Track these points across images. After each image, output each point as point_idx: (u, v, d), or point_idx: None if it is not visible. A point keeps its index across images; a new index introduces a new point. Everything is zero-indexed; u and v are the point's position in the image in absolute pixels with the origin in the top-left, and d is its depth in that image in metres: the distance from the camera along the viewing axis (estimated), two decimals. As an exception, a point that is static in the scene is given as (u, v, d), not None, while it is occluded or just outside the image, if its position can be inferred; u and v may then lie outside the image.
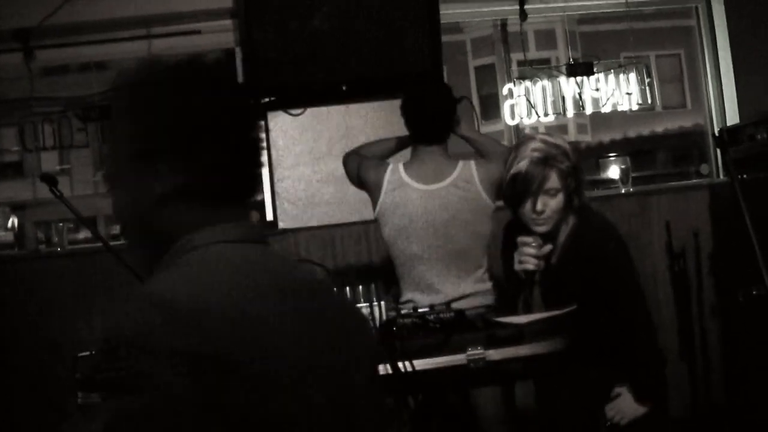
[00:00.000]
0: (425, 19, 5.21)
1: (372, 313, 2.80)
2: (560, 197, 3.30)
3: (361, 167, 4.13)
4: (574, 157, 3.36)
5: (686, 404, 5.25)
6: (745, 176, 4.98)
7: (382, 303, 2.87)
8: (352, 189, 5.29)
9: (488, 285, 3.99)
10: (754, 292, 3.51)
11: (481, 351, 2.71)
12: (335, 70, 5.16)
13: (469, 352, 2.70)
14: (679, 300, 5.43)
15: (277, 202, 5.37)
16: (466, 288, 3.91)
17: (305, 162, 5.39)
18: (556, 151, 3.32)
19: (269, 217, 5.46)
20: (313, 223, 5.30)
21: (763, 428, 4.80)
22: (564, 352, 2.78)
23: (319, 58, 5.13)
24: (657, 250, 5.45)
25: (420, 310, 2.89)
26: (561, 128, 12.00)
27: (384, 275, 3.84)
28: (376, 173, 4.04)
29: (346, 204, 5.32)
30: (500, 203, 3.76)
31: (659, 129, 9.06)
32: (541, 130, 7.31)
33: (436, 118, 4.01)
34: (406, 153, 4.19)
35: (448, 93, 4.09)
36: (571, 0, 6.08)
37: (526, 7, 5.74)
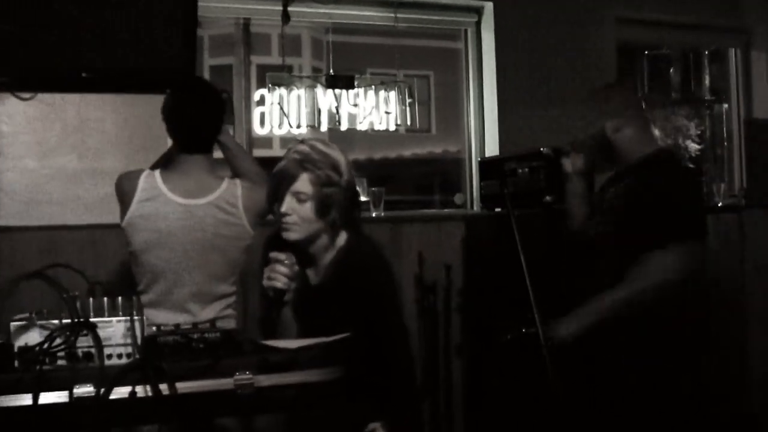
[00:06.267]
0: (180, 12, 5.12)
1: (133, 328, 2.69)
2: (310, 205, 3.29)
3: (118, 180, 3.97)
4: (347, 173, 3.36)
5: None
6: (499, 210, 5.25)
7: (145, 318, 2.76)
8: (83, 189, 5.16)
9: (234, 313, 3.99)
10: (523, 330, 3.67)
11: (250, 376, 2.66)
12: (76, 56, 4.97)
13: (236, 377, 2.65)
14: (426, 335, 5.59)
15: (-3, 196, 5.12)
16: (210, 313, 3.88)
17: (32, 154, 5.18)
18: (319, 156, 3.30)
19: (-16, 212, 5.19)
20: (35, 223, 5.08)
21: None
22: (338, 381, 2.79)
23: (58, 41, 4.90)
24: (407, 281, 5.57)
25: (183, 327, 2.80)
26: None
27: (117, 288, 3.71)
28: (129, 181, 3.90)
29: (76, 204, 5.20)
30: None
31: (407, 153, 9.30)
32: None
33: (201, 125, 3.95)
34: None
35: (215, 97, 4.03)
36: (335, 7, 6.10)
37: (290, 9, 5.59)
